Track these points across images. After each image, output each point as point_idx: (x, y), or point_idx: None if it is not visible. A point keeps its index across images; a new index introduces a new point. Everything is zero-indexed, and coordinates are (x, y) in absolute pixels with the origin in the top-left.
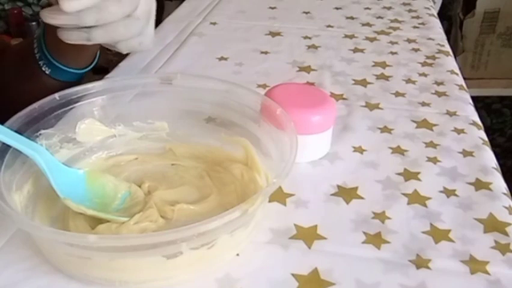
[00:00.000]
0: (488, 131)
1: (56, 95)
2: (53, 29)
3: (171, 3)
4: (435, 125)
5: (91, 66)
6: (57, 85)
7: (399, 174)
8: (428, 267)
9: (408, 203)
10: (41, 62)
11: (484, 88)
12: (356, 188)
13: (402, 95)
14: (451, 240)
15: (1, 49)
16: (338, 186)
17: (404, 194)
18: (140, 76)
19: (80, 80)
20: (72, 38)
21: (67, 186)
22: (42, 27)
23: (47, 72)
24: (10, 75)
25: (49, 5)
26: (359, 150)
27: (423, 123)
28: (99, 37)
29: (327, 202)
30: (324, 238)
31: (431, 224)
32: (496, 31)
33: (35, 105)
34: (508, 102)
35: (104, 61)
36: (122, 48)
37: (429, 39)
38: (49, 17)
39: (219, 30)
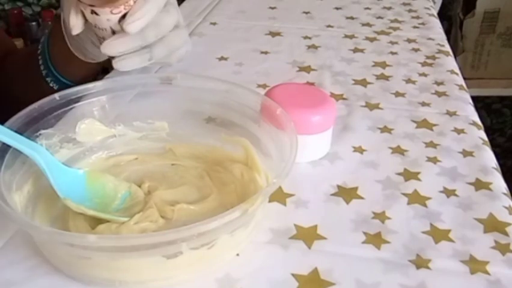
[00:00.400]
0: (488, 131)
1: (56, 95)
2: (60, 47)
3: None
4: (435, 125)
5: (97, 78)
6: None
7: (399, 174)
8: (428, 267)
9: (408, 203)
10: (48, 79)
11: (484, 88)
12: (356, 188)
13: (402, 95)
14: (450, 240)
15: (6, 51)
16: (338, 186)
17: (404, 194)
18: (140, 76)
19: None
20: (135, 63)
21: (67, 186)
22: (46, 44)
23: (55, 88)
24: (17, 86)
25: (50, 6)
26: (359, 150)
27: (423, 123)
28: (160, 52)
29: (327, 202)
30: (324, 238)
31: (431, 224)
32: (496, 31)
33: (35, 105)
34: (508, 102)
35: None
36: (174, 60)
37: (429, 39)
38: (113, 47)
39: (219, 30)
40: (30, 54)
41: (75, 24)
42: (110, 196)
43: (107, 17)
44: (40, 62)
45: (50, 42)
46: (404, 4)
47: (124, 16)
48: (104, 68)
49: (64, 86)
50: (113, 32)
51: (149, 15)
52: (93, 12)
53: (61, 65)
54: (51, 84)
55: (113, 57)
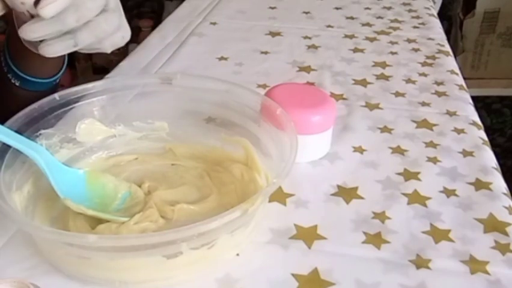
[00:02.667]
0: (488, 131)
1: (56, 95)
2: (16, 41)
3: (171, 3)
4: (435, 125)
5: (59, 74)
6: (30, 95)
7: (399, 174)
8: (428, 267)
9: (408, 203)
10: (9, 75)
11: (484, 88)
12: (356, 188)
13: (402, 95)
14: (450, 240)
15: None
16: (338, 186)
17: (404, 194)
18: (140, 76)
19: (54, 89)
20: (58, 49)
21: (67, 186)
22: (6, 42)
23: (16, 84)
24: None
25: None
26: (359, 150)
27: (423, 123)
28: (85, 38)
29: (327, 202)
30: (324, 238)
31: (431, 224)
32: (496, 31)
33: (35, 105)
34: (508, 102)
35: (104, 61)
36: (107, 47)
37: (429, 39)
38: (30, 31)
39: (219, 30)
40: None
41: None
42: (110, 196)
43: (21, 0)
44: (1, 59)
45: (8, 38)
46: (404, 4)
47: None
48: (104, 68)
49: (25, 82)
50: (32, 17)
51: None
52: None
53: (18, 59)
54: (12, 81)
55: (39, 43)
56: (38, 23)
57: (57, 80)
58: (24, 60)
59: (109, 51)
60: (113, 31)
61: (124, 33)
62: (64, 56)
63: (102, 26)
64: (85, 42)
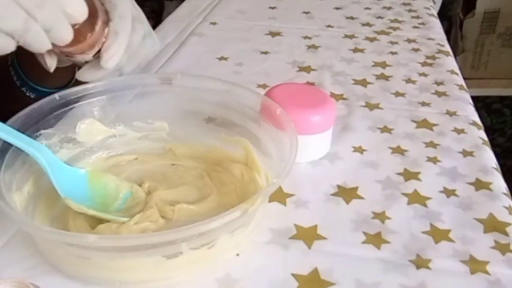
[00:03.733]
0: (488, 131)
1: (56, 95)
2: (28, 56)
3: (171, 3)
4: (435, 125)
5: (72, 82)
6: None
7: (399, 174)
8: (428, 267)
9: (408, 203)
10: (24, 89)
11: (484, 88)
12: (356, 188)
13: (402, 95)
14: (450, 240)
15: None
16: (338, 186)
17: (404, 194)
18: (140, 76)
19: None
20: (101, 75)
21: (68, 185)
22: (14, 56)
23: (31, 96)
24: None
25: None
26: (359, 150)
27: (423, 123)
28: (129, 68)
29: (327, 202)
30: (324, 238)
31: (431, 224)
32: (496, 31)
33: (35, 105)
34: (508, 102)
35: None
36: (143, 65)
37: (429, 39)
38: (90, 75)
39: (219, 30)
40: (1, 67)
41: (51, 64)
42: (111, 196)
43: (82, 57)
44: (12, 73)
45: (18, 52)
46: (404, 4)
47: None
48: None
49: (40, 94)
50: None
51: (122, 48)
52: (67, 55)
53: (32, 73)
54: (27, 93)
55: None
56: (97, 69)
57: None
58: (38, 74)
59: (143, 66)
60: (149, 52)
61: (156, 47)
62: (73, 65)
63: (141, 53)
64: (129, 71)
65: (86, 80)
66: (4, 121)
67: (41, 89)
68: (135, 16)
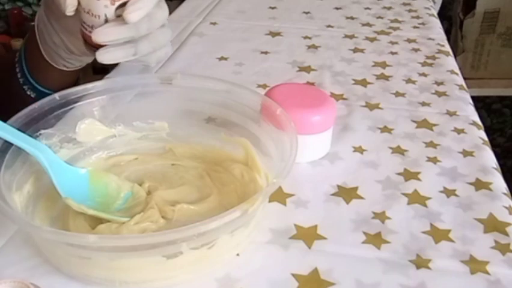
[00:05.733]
0: (488, 131)
1: (56, 95)
2: (35, 54)
3: (171, 3)
4: (435, 125)
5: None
6: None
7: (399, 174)
8: (428, 267)
9: (408, 203)
10: (25, 87)
11: (484, 88)
12: (356, 188)
13: (402, 95)
14: (451, 240)
15: None
16: (338, 186)
17: (404, 194)
18: (140, 76)
19: None
20: (118, 56)
21: (69, 185)
22: (22, 52)
23: (32, 96)
24: None
25: None
26: (359, 150)
27: (423, 123)
28: (145, 48)
29: (327, 202)
30: (324, 238)
31: (431, 224)
32: (496, 31)
33: (35, 105)
34: (508, 102)
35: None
36: (153, 60)
37: (429, 39)
38: (104, 34)
39: (219, 30)
40: (9, 61)
41: (70, 2)
42: (112, 196)
43: (106, 3)
44: (17, 69)
45: (27, 50)
46: (404, 4)
47: (120, 6)
48: (104, 68)
49: (40, 94)
50: (105, 22)
51: (148, 7)
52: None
53: (37, 72)
54: (28, 93)
55: (96, 49)
56: (114, 27)
57: None
58: (43, 74)
59: (153, 64)
60: (164, 45)
61: (168, 49)
62: (79, 71)
63: (159, 39)
64: (143, 52)
65: (99, 41)
66: (0, 118)
67: (42, 89)
68: None
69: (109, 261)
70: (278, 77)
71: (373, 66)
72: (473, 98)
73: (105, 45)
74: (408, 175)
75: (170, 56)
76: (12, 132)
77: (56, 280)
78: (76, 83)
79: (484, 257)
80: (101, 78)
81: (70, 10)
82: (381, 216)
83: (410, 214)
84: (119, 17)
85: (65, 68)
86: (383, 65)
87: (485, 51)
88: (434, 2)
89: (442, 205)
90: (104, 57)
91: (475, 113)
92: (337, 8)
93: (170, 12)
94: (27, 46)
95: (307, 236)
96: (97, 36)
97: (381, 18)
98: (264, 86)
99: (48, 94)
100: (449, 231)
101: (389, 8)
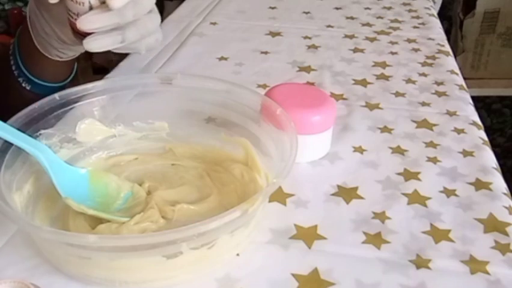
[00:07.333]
0: (488, 131)
1: (56, 95)
2: (28, 46)
3: (171, 3)
4: (435, 125)
5: (69, 79)
6: (38, 99)
7: (399, 174)
8: (428, 267)
9: (408, 203)
10: (20, 79)
11: (484, 88)
12: (356, 188)
13: (402, 95)
14: (451, 240)
15: None
16: (338, 186)
17: (404, 194)
18: (140, 76)
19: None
20: (105, 43)
21: (69, 185)
22: (16, 45)
23: (27, 88)
24: None
25: None
26: (359, 150)
27: (423, 123)
28: (132, 35)
29: (327, 202)
30: (324, 238)
31: (431, 224)
32: (496, 31)
33: (35, 105)
34: (508, 102)
35: (104, 61)
36: (142, 47)
37: (429, 39)
38: (88, 22)
39: (219, 30)
40: (3, 55)
41: None
42: (112, 196)
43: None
44: (12, 62)
45: (20, 42)
46: (404, 4)
47: None
48: (104, 68)
49: (36, 86)
50: (90, 9)
51: None
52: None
53: (31, 64)
54: (23, 85)
55: (83, 38)
56: (98, 14)
57: (67, 84)
58: (37, 65)
59: (143, 52)
60: (154, 31)
61: (159, 36)
62: (75, 60)
63: (148, 25)
64: (131, 39)
65: (84, 28)
66: None
67: (37, 81)
68: None
69: (109, 261)
70: (278, 77)
71: (373, 66)
72: (473, 98)
73: (92, 33)
74: (408, 175)
75: (170, 56)
76: (12, 132)
77: (56, 280)
78: (71, 73)
79: (484, 257)
80: (101, 78)
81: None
82: (381, 216)
83: (410, 214)
84: (103, 3)
85: (58, 58)
86: (383, 65)
87: (485, 51)
88: (434, 2)
89: (442, 205)
90: (91, 45)
91: (475, 113)
92: (337, 8)
93: (170, 12)
94: (21, 38)
95: (307, 236)
96: (82, 24)
97: (381, 18)
98: (264, 86)
99: (44, 85)
100: (449, 231)
101: (389, 8)
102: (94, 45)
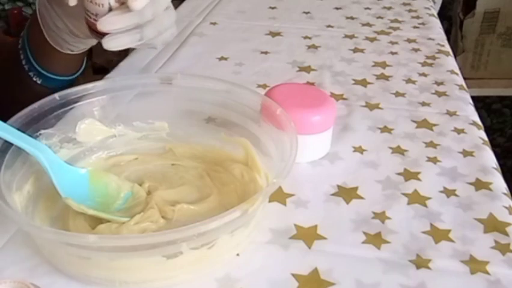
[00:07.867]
0: (488, 131)
1: (56, 95)
2: (39, 39)
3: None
4: (435, 125)
5: (80, 71)
6: (49, 92)
7: (399, 174)
8: (428, 267)
9: (408, 203)
10: (31, 73)
11: (484, 88)
12: (356, 188)
13: (402, 95)
14: (451, 240)
15: None
16: (338, 186)
17: (404, 194)
18: (140, 76)
19: (72, 84)
20: (124, 42)
21: (69, 185)
22: (25, 38)
23: (38, 82)
24: (0, 82)
25: None
26: (359, 150)
27: (423, 123)
28: (150, 33)
29: (327, 202)
30: (324, 238)
31: (431, 224)
32: (496, 31)
33: (35, 105)
34: (508, 102)
35: (104, 61)
36: (159, 42)
37: (429, 39)
38: (109, 23)
39: (219, 30)
40: (12, 49)
41: None
42: (112, 196)
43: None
44: (22, 56)
45: (30, 36)
46: (404, 4)
47: None
48: (104, 68)
49: (47, 80)
50: (109, 10)
51: None
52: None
53: (41, 57)
54: (34, 79)
55: (102, 37)
56: (119, 15)
57: (76, 77)
58: (48, 59)
59: (159, 46)
60: (170, 27)
61: (174, 30)
62: (86, 53)
63: (164, 22)
64: (149, 36)
65: (105, 30)
66: (8, 107)
67: (48, 75)
68: None
69: (109, 261)
70: (278, 77)
71: (373, 66)
72: (473, 98)
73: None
74: (408, 175)
75: (170, 56)
76: (12, 132)
77: (56, 280)
78: (82, 65)
79: (484, 257)
80: (101, 78)
81: (72, 1)
82: (381, 216)
83: (410, 214)
84: (122, 4)
85: (70, 52)
86: (383, 65)
87: (485, 51)
88: (434, 2)
89: (442, 205)
90: (110, 44)
91: (475, 113)
92: (337, 8)
93: None
94: (30, 32)
95: (307, 236)
96: (103, 26)
97: (381, 18)
98: (264, 86)
99: (55, 79)
100: (449, 231)
101: (389, 8)
102: (113, 44)
